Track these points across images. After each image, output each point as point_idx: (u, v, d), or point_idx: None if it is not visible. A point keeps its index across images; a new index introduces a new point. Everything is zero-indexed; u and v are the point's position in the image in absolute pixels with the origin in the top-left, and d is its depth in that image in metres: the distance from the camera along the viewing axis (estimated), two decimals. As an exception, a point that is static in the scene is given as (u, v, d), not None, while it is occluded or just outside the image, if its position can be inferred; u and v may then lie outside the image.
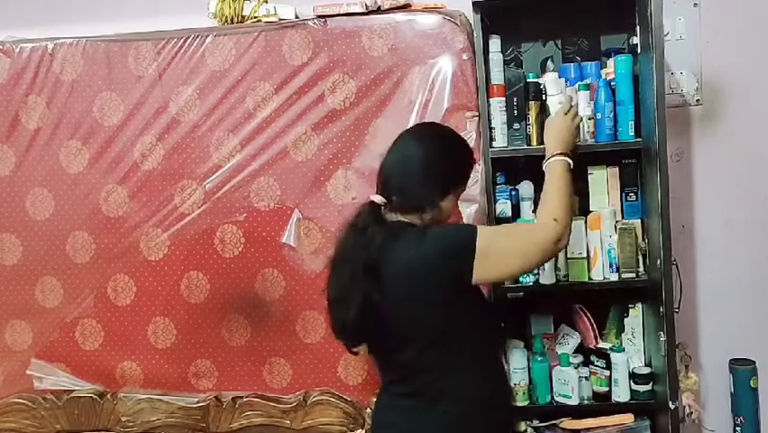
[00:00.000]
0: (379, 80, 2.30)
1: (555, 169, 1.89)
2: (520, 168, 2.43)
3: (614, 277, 2.30)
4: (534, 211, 2.43)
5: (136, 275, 2.47)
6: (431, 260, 1.69)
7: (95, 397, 2.49)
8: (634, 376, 2.33)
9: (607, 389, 2.34)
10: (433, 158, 1.79)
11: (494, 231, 1.89)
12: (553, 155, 1.91)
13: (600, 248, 2.30)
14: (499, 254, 1.71)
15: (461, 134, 2.24)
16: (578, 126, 2.06)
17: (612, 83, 2.27)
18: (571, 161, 1.91)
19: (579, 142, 2.14)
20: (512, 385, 2.27)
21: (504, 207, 2.37)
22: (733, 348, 2.54)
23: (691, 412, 2.41)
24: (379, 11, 2.32)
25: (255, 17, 2.40)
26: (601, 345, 2.40)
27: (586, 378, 2.35)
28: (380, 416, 1.89)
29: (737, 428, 2.50)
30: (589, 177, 2.39)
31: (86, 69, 2.42)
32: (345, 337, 1.82)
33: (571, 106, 2.07)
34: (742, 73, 2.47)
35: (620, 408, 2.34)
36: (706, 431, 2.57)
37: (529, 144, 2.32)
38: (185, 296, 2.46)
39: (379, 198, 1.77)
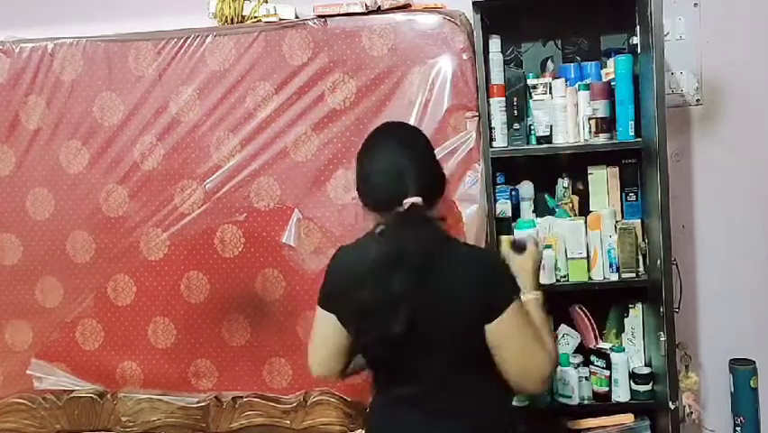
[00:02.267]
0: (379, 80, 2.30)
1: (533, 309, 1.75)
2: (520, 168, 2.44)
3: (614, 277, 2.30)
4: (534, 212, 2.44)
5: (136, 275, 2.47)
6: (481, 279, 1.61)
7: (95, 397, 2.49)
8: (634, 376, 2.33)
9: (607, 389, 2.34)
10: (426, 146, 1.74)
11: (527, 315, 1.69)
12: (525, 293, 1.75)
13: (600, 248, 2.30)
14: (518, 334, 1.62)
15: (462, 135, 2.26)
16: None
17: (612, 83, 2.28)
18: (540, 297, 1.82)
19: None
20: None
21: (504, 207, 2.37)
22: (733, 348, 2.54)
23: (691, 412, 2.41)
24: (379, 11, 2.32)
25: (255, 17, 2.40)
26: (601, 345, 2.41)
27: (586, 378, 2.35)
28: (381, 424, 1.77)
29: (737, 428, 2.50)
30: (589, 177, 2.40)
31: (86, 69, 2.42)
32: (378, 351, 1.64)
33: (536, 243, 1.96)
34: (742, 73, 2.48)
35: (620, 408, 2.35)
36: (706, 431, 2.57)
37: (529, 144, 2.33)
38: (185, 296, 2.46)
39: (418, 199, 1.61)
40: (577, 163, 2.40)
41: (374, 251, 1.61)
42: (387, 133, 1.77)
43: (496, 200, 2.34)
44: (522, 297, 1.67)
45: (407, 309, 1.56)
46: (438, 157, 2.21)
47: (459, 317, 1.61)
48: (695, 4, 2.46)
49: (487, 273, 1.64)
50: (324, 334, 1.73)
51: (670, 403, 2.15)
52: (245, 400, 2.43)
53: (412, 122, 2.26)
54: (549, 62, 2.45)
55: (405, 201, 1.61)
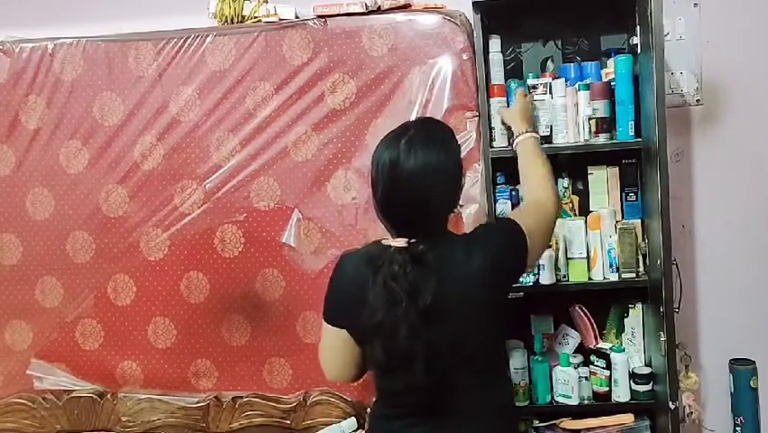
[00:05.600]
0: (379, 80, 2.30)
1: (533, 145, 1.99)
2: (520, 168, 2.44)
3: (614, 277, 2.30)
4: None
5: (136, 275, 2.47)
6: (491, 262, 1.60)
7: (95, 397, 2.49)
8: (634, 376, 2.33)
9: (607, 389, 2.34)
10: (451, 166, 1.63)
11: (525, 217, 1.73)
12: (523, 133, 2.03)
13: (600, 248, 2.30)
14: (534, 237, 1.68)
15: (462, 135, 2.26)
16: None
17: (612, 83, 2.28)
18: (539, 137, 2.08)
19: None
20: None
21: (504, 207, 2.37)
22: (733, 348, 2.54)
23: (691, 412, 2.41)
24: (379, 11, 2.32)
25: (255, 17, 2.39)
26: (601, 345, 2.41)
27: (586, 378, 2.35)
28: None
29: (737, 428, 2.50)
30: (589, 177, 2.40)
31: (86, 69, 2.42)
32: (410, 395, 1.59)
33: (527, 93, 2.24)
34: (742, 73, 2.48)
35: (620, 408, 2.34)
36: (706, 431, 2.57)
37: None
38: (185, 296, 2.46)
39: (402, 242, 1.57)
40: (577, 163, 2.40)
41: (388, 260, 1.56)
42: (400, 151, 1.64)
43: (496, 200, 2.34)
44: (518, 139, 2.02)
45: (423, 358, 1.53)
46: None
47: (479, 313, 1.61)
48: (695, 5, 2.46)
49: (495, 251, 1.63)
50: (335, 346, 1.69)
51: (670, 403, 2.15)
52: (245, 400, 2.43)
53: (412, 122, 2.27)
54: (549, 62, 2.45)
55: (395, 241, 1.60)
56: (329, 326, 1.68)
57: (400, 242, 1.58)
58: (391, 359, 1.55)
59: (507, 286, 1.77)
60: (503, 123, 2.23)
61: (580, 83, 2.29)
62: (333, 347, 1.69)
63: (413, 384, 1.55)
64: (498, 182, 2.38)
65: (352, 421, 2.29)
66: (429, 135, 1.63)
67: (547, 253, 2.28)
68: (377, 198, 1.61)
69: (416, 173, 1.55)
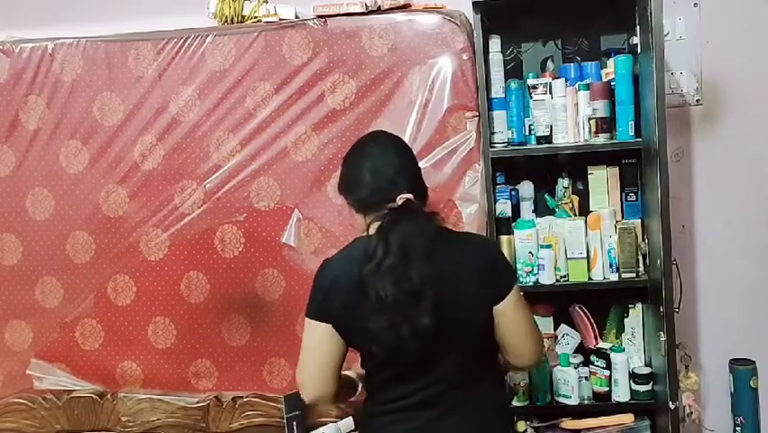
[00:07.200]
0: (379, 80, 2.30)
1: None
2: (520, 168, 2.44)
3: (614, 277, 2.30)
4: (534, 212, 2.44)
5: (136, 275, 2.47)
6: (486, 264, 1.66)
7: (95, 397, 2.49)
8: (634, 376, 2.33)
9: (607, 389, 2.34)
10: (411, 153, 1.80)
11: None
12: None
13: (600, 248, 2.30)
14: (522, 312, 1.69)
15: (462, 135, 2.26)
16: None
17: (612, 83, 2.28)
18: None
19: None
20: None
21: (504, 207, 2.37)
22: (733, 348, 2.54)
23: (691, 412, 2.41)
24: (379, 11, 2.32)
25: (255, 17, 2.39)
26: (601, 345, 2.41)
27: (586, 378, 2.35)
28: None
29: (737, 428, 2.50)
30: (589, 177, 2.40)
31: (86, 69, 2.42)
32: (403, 349, 1.58)
33: None
34: (742, 73, 2.48)
35: (620, 408, 2.35)
36: (706, 431, 2.57)
37: (529, 144, 2.33)
38: (185, 296, 2.46)
39: (410, 195, 1.66)
40: (577, 163, 2.40)
41: (374, 248, 1.59)
42: (375, 139, 1.83)
43: (496, 200, 2.34)
44: None
45: (431, 299, 1.56)
46: (438, 157, 2.25)
47: (472, 304, 1.64)
48: (695, 4, 2.46)
49: (491, 258, 1.71)
50: (318, 348, 1.68)
51: (670, 403, 2.15)
52: (245, 400, 2.43)
53: (412, 122, 2.27)
54: (549, 62, 2.45)
55: (398, 197, 1.64)
56: (314, 323, 1.68)
57: (404, 196, 1.64)
58: (402, 294, 1.56)
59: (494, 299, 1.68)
60: None
61: (580, 83, 2.29)
62: (317, 349, 1.68)
63: (418, 326, 1.55)
64: (498, 182, 2.38)
65: (350, 421, 2.29)
66: (381, 135, 1.85)
67: (547, 253, 2.28)
68: (359, 195, 1.71)
69: (389, 162, 1.71)
